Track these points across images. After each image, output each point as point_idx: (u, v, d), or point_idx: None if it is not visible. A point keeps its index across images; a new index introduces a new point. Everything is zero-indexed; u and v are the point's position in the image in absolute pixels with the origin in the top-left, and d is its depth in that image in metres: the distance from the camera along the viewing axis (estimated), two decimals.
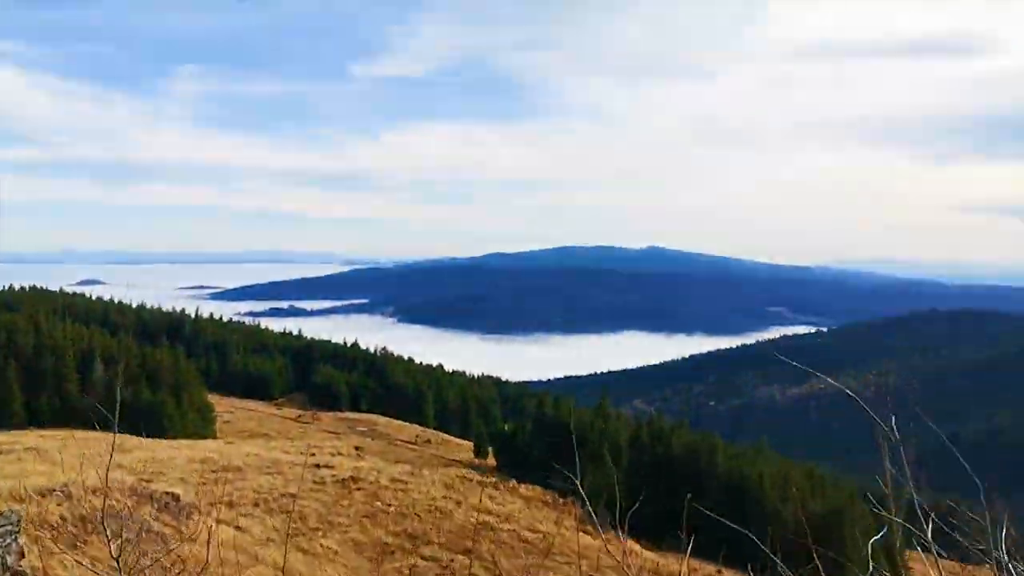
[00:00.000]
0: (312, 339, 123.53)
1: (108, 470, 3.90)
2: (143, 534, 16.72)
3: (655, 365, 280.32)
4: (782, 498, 59.89)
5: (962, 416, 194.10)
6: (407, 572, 21.63)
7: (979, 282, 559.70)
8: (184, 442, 45.92)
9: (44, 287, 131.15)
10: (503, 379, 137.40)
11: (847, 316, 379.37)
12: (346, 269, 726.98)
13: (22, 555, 5.23)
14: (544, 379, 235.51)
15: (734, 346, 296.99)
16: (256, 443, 46.41)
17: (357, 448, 46.21)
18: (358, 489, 28.19)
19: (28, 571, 5.40)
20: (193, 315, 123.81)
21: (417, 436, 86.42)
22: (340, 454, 39.57)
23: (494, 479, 41.52)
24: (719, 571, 41.42)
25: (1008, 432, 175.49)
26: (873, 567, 4.87)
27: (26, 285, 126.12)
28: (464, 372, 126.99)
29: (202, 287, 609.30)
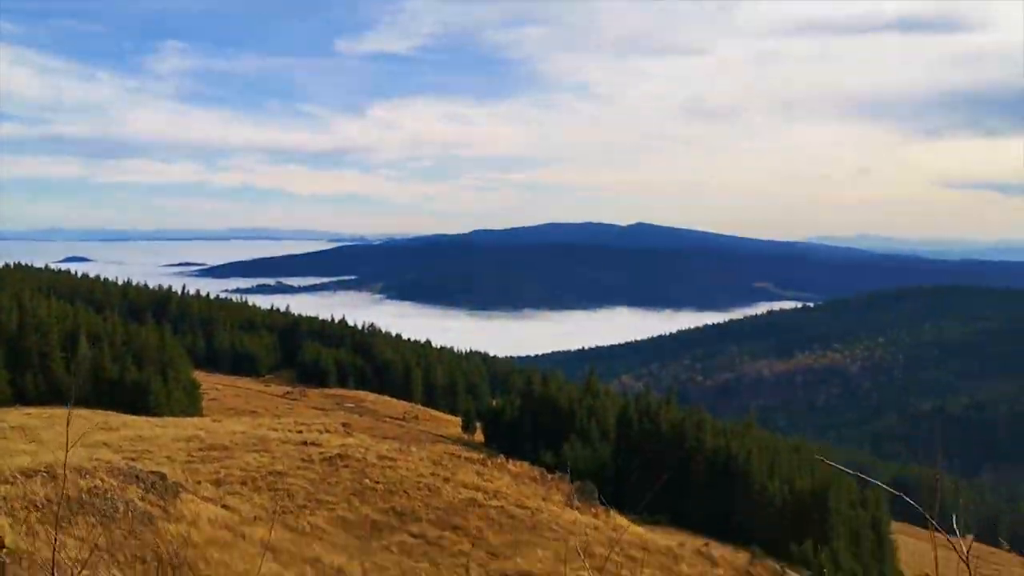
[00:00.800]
0: (299, 316, 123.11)
1: (67, 449, 3.78)
2: (129, 514, 16.63)
3: (642, 340, 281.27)
4: (770, 474, 60.25)
5: (947, 389, 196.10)
6: (395, 549, 21.63)
7: (963, 257, 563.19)
8: (170, 420, 45.76)
9: (29, 264, 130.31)
10: (491, 355, 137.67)
11: (832, 291, 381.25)
12: (333, 246, 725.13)
13: (1, 545, 5.13)
14: (532, 355, 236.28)
15: (721, 321, 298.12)
16: (243, 421, 46.31)
17: (345, 425, 46.20)
18: (345, 467, 28.11)
19: (7, 559, 5.31)
20: (179, 292, 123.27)
21: (405, 412, 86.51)
22: (328, 431, 39.49)
23: (482, 455, 41.55)
24: (706, 544, 41.71)
25: (991, 405, 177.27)
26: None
27: (10, 262, 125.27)
28: (452, 348, 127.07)
29: (188, 264, 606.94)
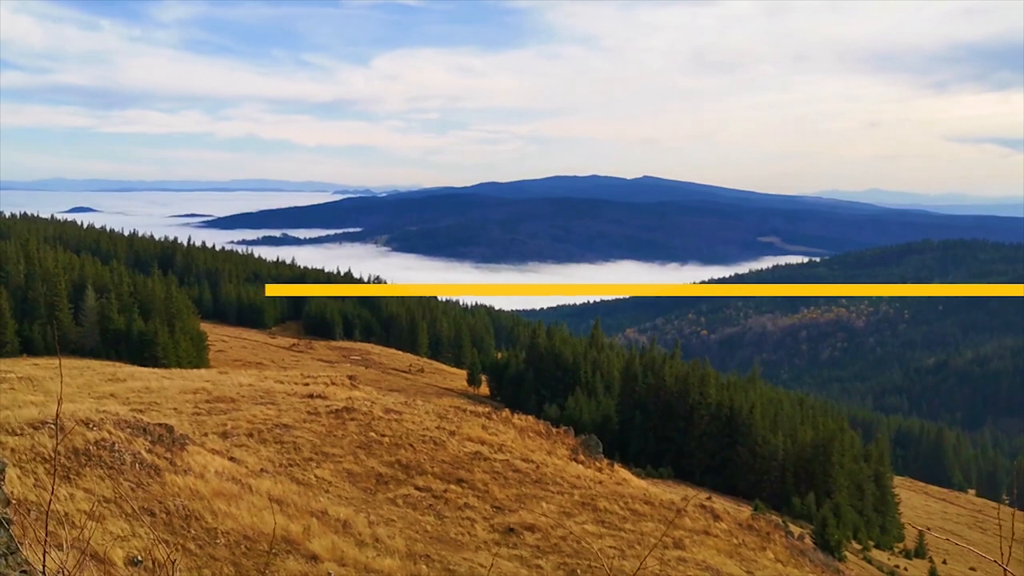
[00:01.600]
0: (305, 268, 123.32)
1: (59, 405, 3.71)
2: (136, 466, 16.73)
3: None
4: (773, 427, 60.56)
5: (951, 344, 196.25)
6: (401, 502, 21.79)
7: (970, 212, 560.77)
8: (177, 372, 45.93)
9: (35, 215, 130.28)
10: (496, 308, 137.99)
11: (839, 246, 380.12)
12: (339, 198, 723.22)
13: (7, 502, 5.07)
14: (537, 308, 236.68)
15: (727, 276, 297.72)
16: (249, 373, 46.45)
17: (351, 377, 46.34)
18: (352, 420, 28.25)
19: (12, 514, 5.28)
20: (185, 244, 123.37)
21: (411, 365, 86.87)
22: (334, 384, 39.62)
23: (487, 409, 41.72)
24: (709, 498, 42.05)
25: (994, 359, 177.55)
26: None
27: (16, 212, 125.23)
28: (457, 301, 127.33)
29: (193, 215, 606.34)
